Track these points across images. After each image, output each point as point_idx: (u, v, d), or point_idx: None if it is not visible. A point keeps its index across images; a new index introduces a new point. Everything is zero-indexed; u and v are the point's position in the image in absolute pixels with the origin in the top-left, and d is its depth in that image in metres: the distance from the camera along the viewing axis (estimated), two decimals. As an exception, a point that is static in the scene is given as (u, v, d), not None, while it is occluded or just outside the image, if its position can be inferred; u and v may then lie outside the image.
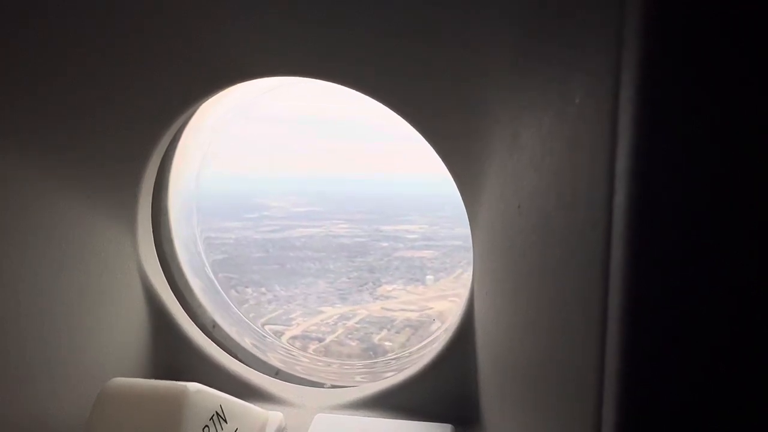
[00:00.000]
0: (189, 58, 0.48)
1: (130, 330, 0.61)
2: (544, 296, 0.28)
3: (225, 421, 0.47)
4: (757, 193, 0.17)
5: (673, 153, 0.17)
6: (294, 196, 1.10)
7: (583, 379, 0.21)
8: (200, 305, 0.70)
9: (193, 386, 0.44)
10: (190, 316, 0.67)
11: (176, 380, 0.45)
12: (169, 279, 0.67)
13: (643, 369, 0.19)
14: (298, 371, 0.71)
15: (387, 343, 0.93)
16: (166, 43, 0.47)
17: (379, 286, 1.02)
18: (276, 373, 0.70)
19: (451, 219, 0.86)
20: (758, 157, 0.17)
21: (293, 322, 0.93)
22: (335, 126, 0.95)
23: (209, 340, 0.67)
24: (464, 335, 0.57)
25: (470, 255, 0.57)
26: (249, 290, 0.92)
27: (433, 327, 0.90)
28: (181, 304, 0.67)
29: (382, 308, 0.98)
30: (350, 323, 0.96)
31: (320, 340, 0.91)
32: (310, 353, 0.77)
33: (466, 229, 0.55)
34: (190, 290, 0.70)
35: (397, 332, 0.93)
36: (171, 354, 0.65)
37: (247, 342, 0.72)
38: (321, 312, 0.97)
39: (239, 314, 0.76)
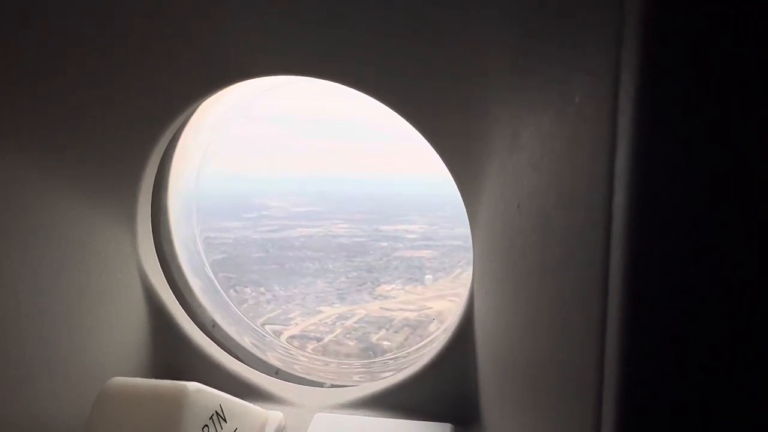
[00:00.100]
0: (189, 58, 0.48)
1: (129, 330, 0.61)
2: (544, 296, 0.28)
3: (225, 420, 0.47)
4: (756, 193, 0.17)
5: (672, 153, 0.17)
6: (294, 196, 1.10)
7: (583, 378, 0.21)
8: (200, 305, 0.70)
9: (193, 386, 0.44)
10: (189, 316, 0.67)
11: (176, 380, 0.45)
12: (168, 279, 0.67)
13: (642, 369, 0.19)
14: (297, 370, 0.71)
15: (385, 343, 0.93)
16: (166, 43, 0.47)
17: (378, 285, 1.02)
18: (276, 373, 0.70)
19: (451, 219, 0.86)
20: (758, 157, 0.17)
21: (291, 322, 0.93)
22: (335, 126, 0.95)
23: (209, 339, 0.67)
24: (464, 335, 0.57)
25: (469, 255, 0.57)
26: (248, 290, 0.92)
27: (432, 327, 0.90)
28: (180, 304, 0.67)
29: (381, 308, 0.98)
30: (348, 323, 0.96)
31: (318, 340, 0.91)
32: (309, 352, 0.77)
33: (465, 229, 0.55)
34: (190, 290, 0.70)
35: (396, 332, 0.93)
36: (171, 354, 0.65)
37: (246, 341, 0.72)
38: (319, 312, 0.97)
39: (239, 314, 0.76)
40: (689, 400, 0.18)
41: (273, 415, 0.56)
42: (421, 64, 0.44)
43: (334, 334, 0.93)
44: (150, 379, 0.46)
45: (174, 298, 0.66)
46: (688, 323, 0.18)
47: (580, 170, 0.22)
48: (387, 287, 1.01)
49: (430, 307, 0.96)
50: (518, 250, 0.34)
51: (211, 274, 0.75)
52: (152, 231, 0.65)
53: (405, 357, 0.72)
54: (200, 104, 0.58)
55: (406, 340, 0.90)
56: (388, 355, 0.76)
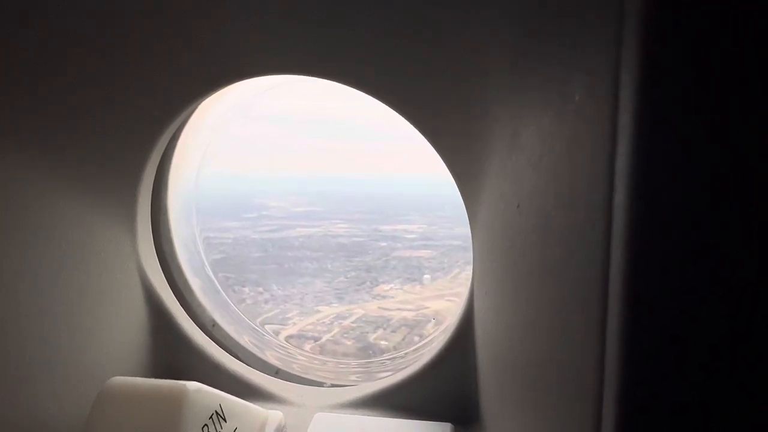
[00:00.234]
0: (189, 58, 0.48)
1: (129, 329, 0.61)
2: (544, 296, 0.28)
3: (224, 420, 0.47)
4: (756, 193, 0.17)
5: (672, 153, 0.17)
6: (294, 195, 1.10)
7: (583, 378, 0.21)
8: (200, 304, 0.70)
9: (193, 385, 0.44)
10: (189, 316, 0.67)
11: (176, 379, 0.45)
12: (168, 278, 0.67)
13: (642, 368, 0.19)
14: (295, 369, 0.71)
15: (382, 342, 0.93)
16: (166, 43, 0.47)
17: (377, 285, 1.02)
18: (276, 372, 0.70)
19: (451, 219, 0.86)
20: (758, 157, 0.17)
21: (289, 322, 0.93)
22: (335, 126, 0.95)
23: (209, 339, 0.67)
24: (464, 335, 0.57)
25: (468, 254, 0.57)
26: (246, 290, 0.92)
27: (429, 326, 0.90)
28: (180, 304, 0.67)
29: (379, 307, 0.98)
30: (346, 322, 0.96)
31: (316, 339, 0.91)
32: (307, 351, 0.77)
33: (465, 229, 0.55)
34: (190, 289, 0.70)
35: (393, 331, 0.93)
36: (170, 353, 0.65)
37: (246, 341, 0.72)
38: (318, 311, 0.97)
39: (239, 313, 0.76)
40: (689, 400, 0.18)
41: (273, 414, 0.56)
42: (421, 64, 0.44)
43: (332, 333, 0.93)
44: (150, 379, 0.46)
45: (174, 297, 0.66)
46: (688, 323, 0.18)
47: (580, 170, 0.22)
48: (385, 287, 1.01)
49: (428, 307, 0.96)
50: (518, 250, 0.34)
51: (210, 274, 0.75)
52: (152, 231, 0.65)
53: (403, 357, 0.72)
54: (200, 104, 0.58)
55: (403, 339, 0.90)
56: (386, 356, 0.76)
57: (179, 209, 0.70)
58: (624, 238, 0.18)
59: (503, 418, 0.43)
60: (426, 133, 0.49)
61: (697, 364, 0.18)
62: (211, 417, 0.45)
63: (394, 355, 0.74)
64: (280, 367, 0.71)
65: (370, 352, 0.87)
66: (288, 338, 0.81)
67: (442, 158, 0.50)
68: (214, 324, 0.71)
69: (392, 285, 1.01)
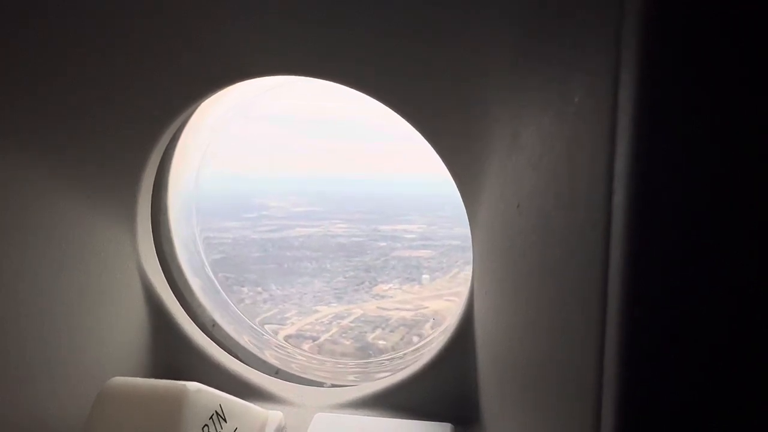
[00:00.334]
0: (189, 58, 0.48)
1: (129, 330, 0.61)
2: (544, 296, 0.28)
3: (225, 420, 0.47)
4: (756, 193, 0.17)
5: (672, 153, 0.17)
6: (294, 196, 1.10)
7: (583, 379, 0.21)
8: (200, 304, 0.71)
9: (193, 385, 0.44)
10: (189, 316, 0.67)
11: (176, 379, 0.45)
12: (168, 278, 0.67)
13: (642, 369, 0.19)
14: (294, 369, 0.71)
15: (381, 342, 0.93)
16: (166, 43, 0.47)
17: (376, 285, 1.02)
18: (276, 373, 0.70)
19: (451, 219, 0.86)
20: (758, 157, 0.17)
21: (288, 321, 0.93)
22: (335, 126, 0.95)
23: (209, 339, 0.67)
24: (464, 335, 0.57)
25: (467, 254, 0.57)
26: (245, 289, 0.92)
27: (427, 326, 0.90)
28: (180, 304, 0.67)
29: (378, 307, 0.98)
30: (344, 322, 0.96)
31: (314, 339, 0.91)
32: (306, 351, 0.77)
33: (464, 229, 0.55)
34: (190, 289, 0.70)
35: (392, 331, 0.93)
36: (171, 353, 0.65)
37: (246, 341, 0.72)
38: (316, 311, 0.97)
39: (239, 313, 0.76)
40: (689, 400, 0.18)
41: (273, 414, 0.56)
42: (421, 64, 0.44)
43: (330, 333, 0.93)
44: (150, 379, 0.46)
45: (174, 297, 0.66)
46: (688, 323, 0.18)
47: (579, 170, 0.22)
48: (384, 287, 1.01)
49: (427, 307, 0.96)
50: (518, 250, 0.34)
51: (210, 274, 0.75)
52: (152, 231, 0.65)
53: (401, 358, 0.72)
54: (200, 104, 0.58)
55: (402, 339, 0.90)
56: (384, 356, 0.76)
57: (179, 209, 0.70)
58: (624, 238, 0.18)
59: (503, 418, 0.43)
60: (426, 133, 0.49)
61: (696, 364, 0.18)
62: (211, 417, 0.45)
63: (392, 356, 0.75)
64: (279, 366, 0.71)
65: (370, 352, 0.87)
66: (286, 338, 0.81)
67: (441, 158, 0.50)
68: (214, 324, 0.71)
69: (391, 285, 1.01)
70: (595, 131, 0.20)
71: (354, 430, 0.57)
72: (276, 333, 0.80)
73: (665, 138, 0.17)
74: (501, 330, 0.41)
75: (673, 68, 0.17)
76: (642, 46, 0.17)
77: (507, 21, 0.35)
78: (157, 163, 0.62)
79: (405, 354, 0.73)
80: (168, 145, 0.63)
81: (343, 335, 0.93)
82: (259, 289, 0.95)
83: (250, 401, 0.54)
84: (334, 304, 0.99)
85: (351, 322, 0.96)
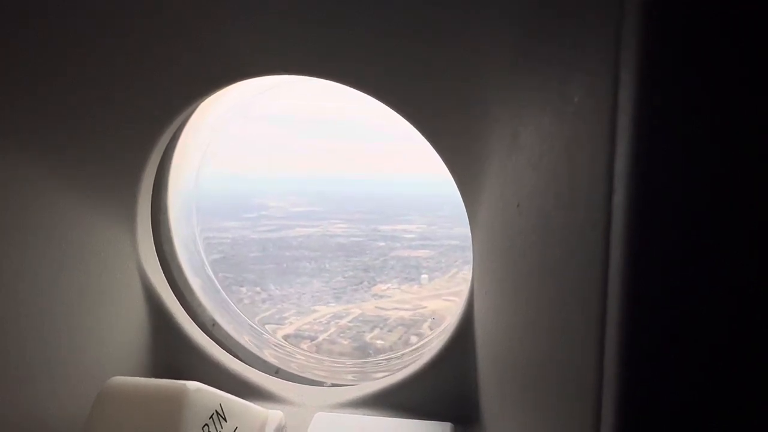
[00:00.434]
0: (189, 58, 0.48)
1: (129, 329, 0.61)
2: (544, 296, 0.28)
3: (225, 419, 0.47)
4: (756, 193, 0.17)
5: (672, 153, 0.17)
6: (293, 196, 1.10)
7: (583, 378, 0.21)
8: (200, 304, 0.71)
9: (193, 385, 0.44)
10: (189, 315, 0.67)
11: (176, 379, 0.45)
12: (168, 278, 0.67)
13: (642, 369, 0.19)
14: (293, 368, 0.71)
15: (379, 342, 0.93)
16: (166, 43, 0.47)
17: (374, 285, 1.02)
18: (276, 372, 0.70)
19: (450, 218, 0.86)
20: (758, 157, 0.17)
21: (286, 321, 0.93)
22: (335, 126, 0.95)
23: (209, 338, 0.67)
24: (464, 334, 0.57)
25: (466, 254, 0.57)
26: (243, 289, 0.92)
27: (425, 326, 0.90)
28: (180, 303, 0.67)
29: (376, 307, 0.98)
30: (343, 322, 0.96)
31: (312, 339, 0.91)
32: (304, 350, 0.77)
33: (464, 229, 0.55)
34: (190, 289, 0.70)
35: (390, 331, 0.93)
36: (171, 353, 0.65)
37: (246, 340, 0.72)
38: (314, 311, 0.97)
39: (239, 313, 0.76)
40: (689, 400, 0.18)
41: (273, 414, 0.56)
42: (421, 64, 0.44)
43: (328, 333, 0.93)
44: (150, 379, 0.46)
45: (174, 297, 0.66)
46: (688, 323, 0.18)
47: (579, 170, 0.22)
48: (383, 287, 1.01)
49: (425, 307, 0.96)
50: (518, 250, 0.34)
51: (211, 274, 0.75)
52: (152, 231, 0.65)
53: (399, 358, 0.72)
54: (200, 104, 0.58)
55: (400, 338, 0.90)
56: (382, 356, 0.76)
57: (179, 209, 0.70)
58: (624, 238, 0.18)
59: (503, 418, 0.43)
60: (426, 133, 0.49)
61: (696, 364, 0.18)
62: (211, 417, 0.45)
63: (390, 356, 0.75)
64: (278, 366, 0.71)
65: (370, 351, 0.87)
66: (285, 337, 0.82)
67: (441, 158, 0.50)
68: (214, 323, 0.71)
69: (390, 285, 1.01)
70: (594, 131, 0.20)
71: (354, 430, 0.57)
72: (274, 332, 0.80)
73: (665, 138, 0.17)
74: (501, 330, 0.41)
75: (672, 68, 0.17)
76: (642, 46, 0.17)
77: (507, 21, 0.35)
78: (157, 163, 0.62)
79: (403, 354, 0.73)
80: (168, 144, 0.63)
81: (341, 335, 0.93)
82: (258, 289, 0.95)
83: (251, 401, 0.54)
84: (333, 304, 0.99)
85: (349, 321, 0.96)
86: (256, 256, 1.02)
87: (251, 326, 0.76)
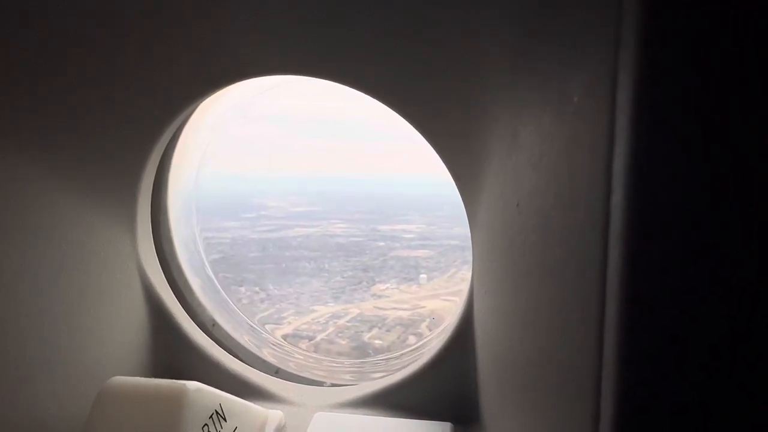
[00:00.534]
0: (189, 58, 0.48)
1: (129, 329, 0.61)
2: (544, 296, 0.28)
3: (224, 419, 0.47)
4: (756, 193, 0.17)
5: (671, 153, 0.18)
6: (293, 196, 1.10)
7: (582, 378, 0.21)
8: (200, 304, 0.71)
9: (193, 385, 0.44)
10: (189, 315, 0.67)
11: (176, 379, 0.45)
12: (168, 278, 0.67)
13: (641, 369, 0.19)
14: (291, 367, 0.71)
15: (377, 342, 0.93)
16: (166, 43, 0.47)
17: (373, 285, 1.02)
18: (276, 372, 0.70)
19: (450, 218, 0.86)
20: (758, 157, 0.17)
21: (284, 321, 0.93)
22: (335, 126, 0.95)
23: (209, 338, 0.67)
24: (463, 334, 0.57)
25: (465, 254, 0.57)
26: (242, 289, 0.92)
27: (424, 326, 0.90)
28: (180, 303, 0.67)
29: (375, 307, 0.99)
30: (341, 322, 0.96)
31: (310, 339, 0.91)
32: (302, 350, 0.77)
33: (463, 229, 0.55)
34: (190, 289, 0.70)
35: (388, 331, 0.93)
36: (171, 353, 0.65)
37: (246, 340, 0.72)
38: (313, 311, 0.97)
39: (239, 313, 0.76)
40: (688, 400, 0.18)
41: (273, 414, 0.56)
42: (421, 64, 0.44)
43: (326, 333, 0.93)
44: (150, 379, 0.46)
45: (174, 297, 0.66)
46: (687, 323, 0.18)
47: (579, 170, 0.22)
48: (382, 286, 1.01)
49: (424, 306, 0.96)
50: (518, 249, 0.34)
51: (210, 273, 0.75)
52: (152, 231, 0.65)
53: (397, 359, 0.72)
54: (200, 104, 0.58)
55: (398, 338, 0.90)
56: (380, 356, 0.76)
57: (179, 209, 0.70)
58: (623, 238, 0.18)
59: (503, 418, 0.43)
60: (426, 133, 0.49)
61: (695, 364, 0.18)
62: (211, 417, 0.45)
63: (388, 356, 0.75)
64: (277, 365, 0.71)
65: (370, 351, 0.87)
66: (283, 337, 0.82)
67: (441, 158, 0.50)
68: (214, 323, 0.71)
69: (389, 285, 1.01)
70: (594, 131, 0.20)
71: (354, 430, 0.57)
72: (273, 332, 0.80)
73: (664, 138, 0.17)
74: (501, 330, 0.41)
75: (671, 68, 0.17)
76: (641, 46, 0.17)
77: (507, 21, 0.35)
78: (157, 163, 0.62)
79: (401, 354, 0.73)
80: (168, 144, 0.63)
81: (340, 335, 0.93)
82: (257, 288, 0.96)
83: (250, 400, 0.54)
84: (331, 304, 0.99)
85: (347, 321, 0.96)
86: (255, 256, 1.02)
87: (251, 326, 0.76)
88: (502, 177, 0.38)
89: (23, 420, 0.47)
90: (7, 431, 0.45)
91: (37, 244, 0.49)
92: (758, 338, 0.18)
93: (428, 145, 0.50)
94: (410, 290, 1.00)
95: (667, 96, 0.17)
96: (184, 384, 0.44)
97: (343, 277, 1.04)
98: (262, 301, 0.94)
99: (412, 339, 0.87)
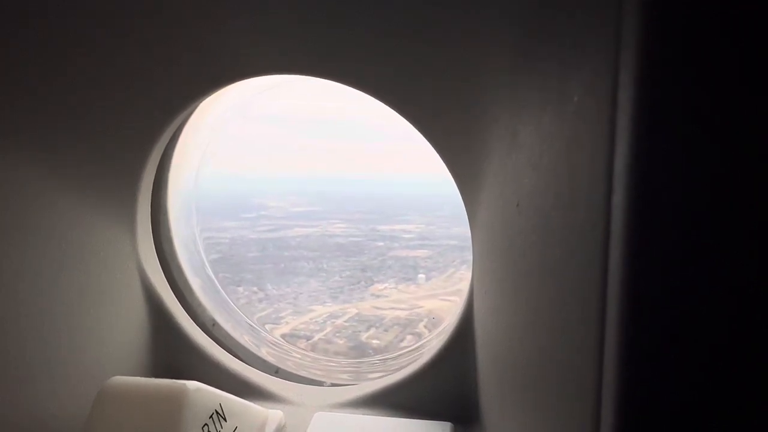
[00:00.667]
0: (189, 58, 0.48)
1: (129, 329, 0.61)
2: (544, 296, 0.28)
3: (224, 419, 0.47)
4: (756, 193, 0.17)
5: (671, 152, 0.18)
6: (293, 195, 1.10)
7: (582, 378, 0.21)
8: (200, 304, 0.71)
9: (193, 385, 0.44)
10: (189, 315, 0.67)
11: (176, 379, 0.45)
12: (168, 278, 0.67)
13: (641, 369, 0.19)
14: (290, 366, 0.71)
15: (374, 341, 0.93)
16: (166, 43, 0.47)
17: (372, 284, 1.02)
18: (276, 372, 0.70)
19: (449, 218, 0.86)
20: (758, 157, 0.17)
21: (282, 321, 0.93)
22: (335, 126, 0.95)
23: (209, 338, 0.67)
24: (463, 334, 0.57)
25: (464, 254, 0.57)
26: (240, 289, 0.92)
27: (421, 326, 0.90)
28: (180, 303, 0.67)
29: (373, 306, 0.99)
30: (339, 321, 0.96)
31: (308, 338, 0.91)
32: (301, 349, 0.77)
33: (462, 229, 0.55)
34: (190, 289, 0.70)
35: (385, 330, 0.93)
36: (171, 353, 0.65)
37: (246, 340, 0.72)
38: (311, 311, 0.97)
39: (239, 312, 0.76)
40: (688, 400, 0.18)
41: (273, 413, 0.56)
42: (421, 64, 0.44)
43: (324, 332, 0.93)
44: (150, 379, 0.46)
45: (174, 297, 0.66)
46: (688, 323, 0.18)
47: (579, 169, 0.22)
48: (380, 286, 1.01)
49: (422, 306, 0.96)
50: (518, 249, 0.34)
51: (210, 273, 0.75)
52: (152, 231, 0.65)
53: (395, 359, 0.72)
54: (200, 104, 0.58)
55: (395, 338, 0.91)
56: (377, 356, 0.76)
57: (179, 209, 0.70)
58: (623, 238, 0.18)
59: (503, 418, 0.43)
60: (426, 133, 0.49)
61: (696, 364, 0.18)
62: (211, 416, 0.45)
63: (386, 356, 0.75)
64: (274, 363, 0.71)
65: (370, 351, 0.87)
66: (281, 336, 0.82)
67: (441, 158, 0.50)
68: (214, 323, 0.71)
69: (387, 284, 1.01)
70: (594, 131, 0.20)
71: (354, 429, 0.57)
72: (271, 331, 0.80)
73: (664, 138, 0.17)
74: (501, 330, 0.41)
75: (672, 68, 0.17)
76: (641, 46, 0.17)
77: (507, 21, 0.35)
78: (157, 163, 0.62)
79: (399, 355, 0.73)
80: (168, 144, 0.63)
81: (337, 334, 0.93)
82: (255, 288, 0.96)
83: (250, 400, 0.54)
84: (330, 304, 0.99)
85: (345, 321, 0.96)
86: (254, 256, 1.02)
87: (251, 326, 0.76)
88: (502, 177, 0.38)
89: (23, 420, 0.47)
90: (7, 431, 0.45)
91: (37, 244, 0.49)
92: (758, 338, 0.18)
93: (428, 144, 0.50)
94: (408, 290, 1.00)
95: (667, 96, 0.17)
96: (184, 384, 0.44)
97: (342, 277, 1.04)
98: (260, 300, 0.94)
99: (410, 338, 0.87)
